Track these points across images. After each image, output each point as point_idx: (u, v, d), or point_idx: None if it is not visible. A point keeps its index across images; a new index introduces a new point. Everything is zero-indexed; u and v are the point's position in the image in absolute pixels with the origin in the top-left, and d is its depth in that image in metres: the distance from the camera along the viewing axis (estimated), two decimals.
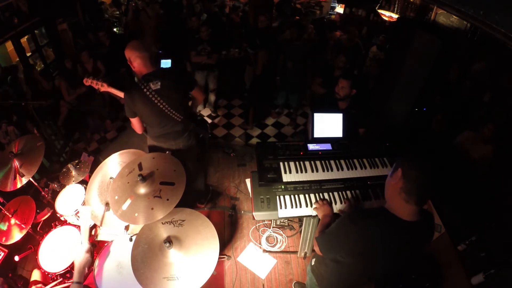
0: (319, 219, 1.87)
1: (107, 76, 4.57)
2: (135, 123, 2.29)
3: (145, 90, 2.09)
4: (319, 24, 6.20)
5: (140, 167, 1.86)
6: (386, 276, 1.53)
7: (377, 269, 1.40)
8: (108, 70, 4.59)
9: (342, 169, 2.29)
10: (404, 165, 1.19)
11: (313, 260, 1.74)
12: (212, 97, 4.88)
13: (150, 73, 2.12)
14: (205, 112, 5.06)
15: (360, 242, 1.24)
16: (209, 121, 4.94)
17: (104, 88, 2.51)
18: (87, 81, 2.52)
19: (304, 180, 2.21)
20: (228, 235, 2.91)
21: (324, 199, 2.05)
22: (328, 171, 2.27)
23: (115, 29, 6.34)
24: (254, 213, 2.14)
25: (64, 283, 2.00)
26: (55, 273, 2.00)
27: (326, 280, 1.62)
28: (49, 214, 2.56)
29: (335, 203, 2.13)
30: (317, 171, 2.26)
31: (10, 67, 4.25)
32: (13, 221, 2.22)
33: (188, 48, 4.37)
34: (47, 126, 4.14)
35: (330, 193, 2.22)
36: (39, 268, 2.04)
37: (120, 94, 2.44)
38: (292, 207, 2.13)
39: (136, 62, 2.08)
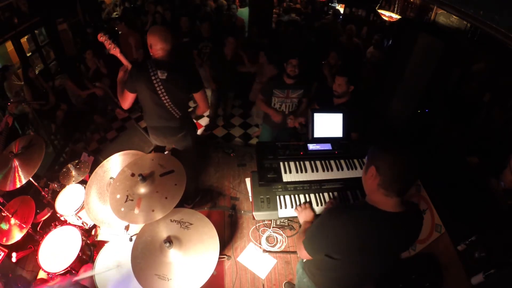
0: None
1: (108, 77, 4.58)
2: (128, 99, 2.23)
3: (151, 73, 2.07)
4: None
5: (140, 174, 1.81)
6: (380, 271, 1.48)
7: (368, 264, 1.35)
8: (108, 71, 4.60)
9: (342, 169, 2.29)
10: (377, 162, 1.15)
11: (304, 259, 1.71)
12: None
13: (163, 60, 2.10)
14: (205, 112, 5.06)
15: (345, 237, 1.20)
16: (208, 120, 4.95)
17: (115, 52, 2.23)
18: (102, 37, 2.19)
19: (304, 180, 2.21)
20: (228, 235, 2.91)
21: (306, 202, 1.98)
22: (328, 171, 2.27)
23: (116, 28, 6.33)
24: (254, 213, 2.14)
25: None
26: (55, 273, 2.01)
27: (320, 278, 1.57)
28: (49, 214, 2.56)
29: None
30: (317, 171, 2.26)
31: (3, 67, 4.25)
32: (13, 221, 2.23)
33: (191, 47, 4.39)
34: (47, 126, 4.14)
35: (330, 193, 2.22)
36: (40, 268, 2.04)
37: (127, 64, 2.29)
38: (292, 207, 2.13)
39: (156, 50, 2.08)
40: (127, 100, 2.26)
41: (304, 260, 1.69)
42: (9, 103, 3.46)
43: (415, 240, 1.36)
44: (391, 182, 1.12)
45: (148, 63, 2.11)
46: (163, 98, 2.16)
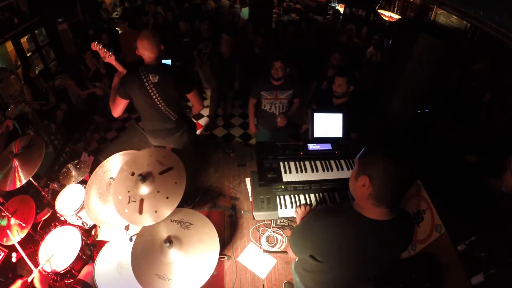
0: None
1: (108, 78, 4.58)
2: (120, 106, 2.23)
3: (143, 78, 2.10)
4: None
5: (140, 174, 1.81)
6: (363, 278, 1.44)
7: (349, 271, 1.33)
8: (107, 72, 4.61)
9: (342, 169, 2.29)
10: (370, 172, 1.08)
11: (296, 258, 1.71)
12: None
13: (152, 64, 2.12)
14: (205, 112, 5.06)
15: (326, 241, 1.18)
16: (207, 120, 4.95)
17: (110, 59, 2.27)
18: (96, 46, 2.24)
19: (304, 180, 2.21)
20: (228, 235, 2.91)
21: (307, 204, 1.98)
22: (328, 171, 2.27)
23: (117, 28, 6.34)
24: (254, 213, 2.15)
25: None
26: (55, 273, 2.00)
27: (306, 280, 1.55)
28: (49, 214, 2.55)
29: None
30: (317, 171, 2.26)
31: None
32: (13, 221, 2.22)
33: (191, 47, 4.39)
34: (47, 126, 4.14)
35: (330, 193, 2.22)
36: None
37: (122, 70, 2.32)
38: (292, 207, 2.13)
39: (143, 55, 2.11)
40: (119, 107, 2.25)
41: (296, 260, 1.69)
42: (9, 109, 3.47)
43: (402, 249, 1.34)
44: (384, 194, 1.07)
45: (139, 68, 2.13)
46: (157, 101, 2.17)
